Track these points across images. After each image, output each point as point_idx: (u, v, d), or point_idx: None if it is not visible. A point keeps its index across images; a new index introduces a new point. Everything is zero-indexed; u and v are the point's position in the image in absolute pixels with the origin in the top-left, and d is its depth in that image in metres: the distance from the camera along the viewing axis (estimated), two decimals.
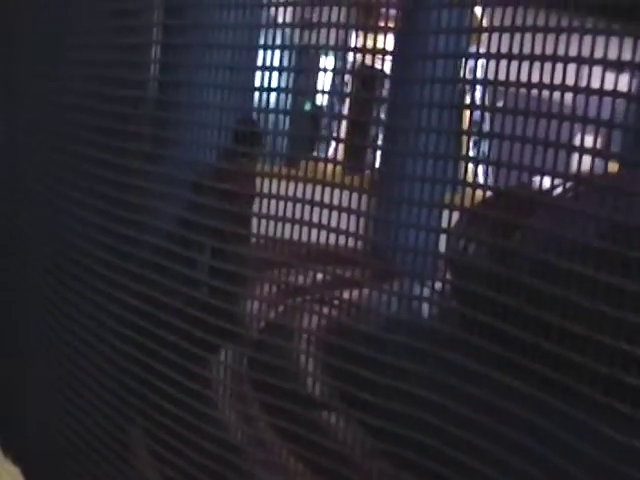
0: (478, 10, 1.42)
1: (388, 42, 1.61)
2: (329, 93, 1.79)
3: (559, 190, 1.41)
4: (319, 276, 1.78)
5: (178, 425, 2.01)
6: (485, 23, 1.39)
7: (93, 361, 2.41)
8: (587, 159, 1.29)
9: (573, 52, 1.24)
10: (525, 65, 1.29)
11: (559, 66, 1.24)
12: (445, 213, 1.53)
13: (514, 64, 1.31)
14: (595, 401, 1.23)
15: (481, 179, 1.56)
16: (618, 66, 1.19)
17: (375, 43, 1.60)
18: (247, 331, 1.92)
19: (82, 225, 2.43)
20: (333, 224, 1.65)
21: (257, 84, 1.79)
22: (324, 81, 1.75)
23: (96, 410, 2.40)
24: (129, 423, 2.28)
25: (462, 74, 1.51)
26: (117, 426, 2.32)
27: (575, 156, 1.30)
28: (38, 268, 2.76)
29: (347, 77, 1.77)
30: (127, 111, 2.22)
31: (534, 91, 1.31)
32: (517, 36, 1.30)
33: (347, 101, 1.70)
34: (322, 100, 1.89)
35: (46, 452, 2.77)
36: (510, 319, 1.36)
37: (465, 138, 1.49)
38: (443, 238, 1.56)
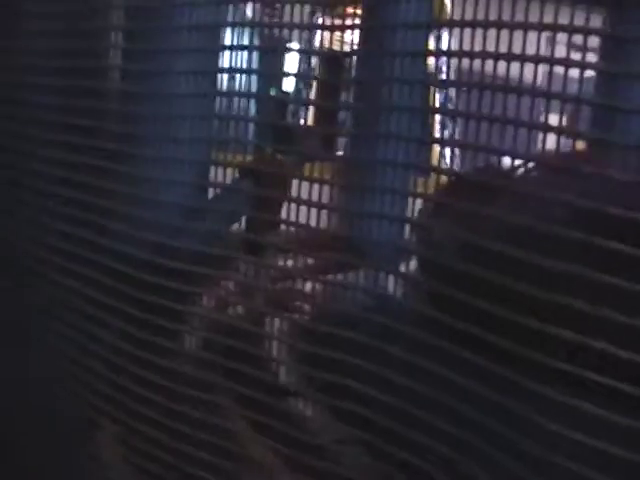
0: None
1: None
2: (295, 76, 1.78)
3: (522, 171, 1.41)
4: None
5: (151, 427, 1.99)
6: None
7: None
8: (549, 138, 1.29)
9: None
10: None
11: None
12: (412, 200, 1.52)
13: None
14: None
15: (447, 162, 1.56)
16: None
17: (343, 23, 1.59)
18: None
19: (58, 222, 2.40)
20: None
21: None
22: (290, 64, 1.74)
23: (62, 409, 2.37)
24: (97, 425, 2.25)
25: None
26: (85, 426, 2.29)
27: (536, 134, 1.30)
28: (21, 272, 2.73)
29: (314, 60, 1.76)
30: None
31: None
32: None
33: (314, 85, 1.69)
34: (289, 85, 1.87)
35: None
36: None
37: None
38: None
